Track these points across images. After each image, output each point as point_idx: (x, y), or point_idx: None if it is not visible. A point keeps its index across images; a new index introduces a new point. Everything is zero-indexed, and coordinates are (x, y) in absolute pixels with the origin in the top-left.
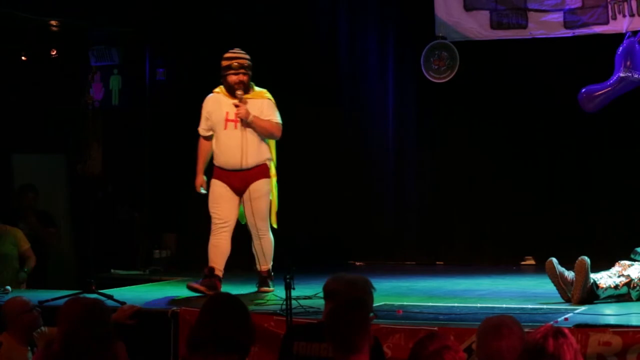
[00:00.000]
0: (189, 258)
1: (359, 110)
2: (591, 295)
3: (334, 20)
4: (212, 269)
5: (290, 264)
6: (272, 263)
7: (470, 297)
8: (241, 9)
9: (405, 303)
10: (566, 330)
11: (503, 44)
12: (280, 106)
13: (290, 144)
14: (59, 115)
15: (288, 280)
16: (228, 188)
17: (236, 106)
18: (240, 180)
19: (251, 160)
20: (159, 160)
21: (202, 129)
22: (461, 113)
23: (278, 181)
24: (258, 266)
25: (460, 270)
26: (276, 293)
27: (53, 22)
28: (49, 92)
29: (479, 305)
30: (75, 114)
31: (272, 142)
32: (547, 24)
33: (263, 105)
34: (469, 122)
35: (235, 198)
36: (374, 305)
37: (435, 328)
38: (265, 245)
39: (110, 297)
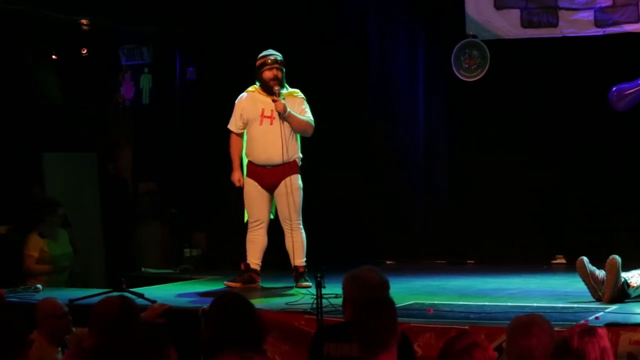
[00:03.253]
0: (219, 257)
1: (389, 109)
2: (622, 294)
3: (364, 19)
4: (247, 265)
5: (321, 262)
6: (305, 258)
7: (500, 296)
8: (271, 9)
9: (436, 302)
10: (598, 329)
11: (533, 42)
12: (311, 106)
13: (321, 143)
14: (89, 114)
15: (318, 279)
16: (259, 187)
17: (274, 100)
18: (270, 176)
19: (280, 157)
20: (190, 159)
21: (235, 127)
22: (491, 112)
23: (307, 179)
24: (292, 262)
25: (491, 269)
26: (309, 291)
27: (84, 21)
28: (80, 91)
29: (509, 304)
30: (106, 112)
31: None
32: (577, 23)
33: (297, 102)
34: (499, 120)
35: (266, 195)
36: (401, 304)
37: (466, 327)
38: (298, 238)
39: (140, 295)
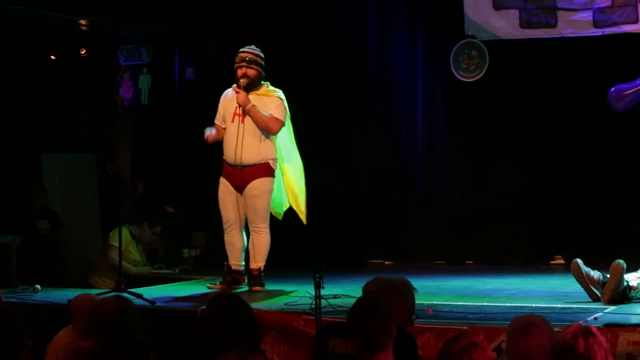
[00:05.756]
0: (219, 257)
1: (388, 109)
2: (623, 296)
3: (363, 19)
4: (229, 267)
5: (320, 263)
6: (264, 263)
7: (499, 296)
8: (271, 9)
9: (435, 302)
10: (595, 330)
11: (532, 43)
12: (310, 105)
13: (321, 144)
14: (88, 114)
15: (317, 280)
16: (230, 187)
17: (237, 92)
18: (241, 177)
19: (250, 157)
20: (189, 159)
21: (218, 121)
22: (490, 112)
23: (307, 180)
24: (250, 264)
25: (490, 270)
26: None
27: (82, 22)
28: (79, 92)
29: (508, 304)
30: (105, 113)
31: (290, 139)
32: (576, 23)
33: (270, 101)
34: (498, 120)
35: (237, 196)
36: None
37: (465, 327)
38: (260, 242)
39: (139, 296)
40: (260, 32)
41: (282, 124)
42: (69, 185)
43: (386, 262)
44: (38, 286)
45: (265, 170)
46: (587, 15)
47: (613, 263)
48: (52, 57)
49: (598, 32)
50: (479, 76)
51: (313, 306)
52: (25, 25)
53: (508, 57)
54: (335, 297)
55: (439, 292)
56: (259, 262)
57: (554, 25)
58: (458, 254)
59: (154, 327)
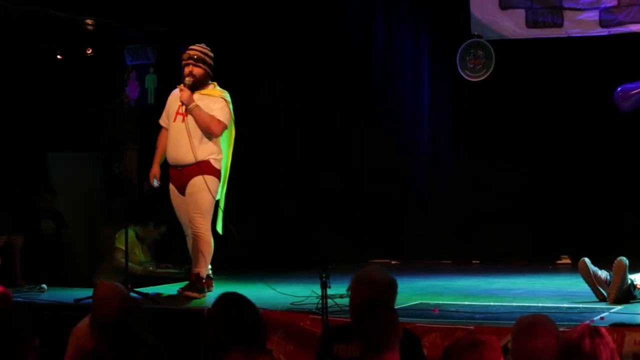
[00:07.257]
0: (222, 257)
1: (394, 108)
2: (628, 295)
3: (369, 19)
4: (197, 274)
5: (326, 262)
6: (209, 267)
7: (506, 296)
8: (275, 8)
9: (441, 302)
10: (603, 330)
11: (538, 42)
12: (316, 105)
13: (327, 144)
14: (94, 114)
15: (324, 279)
16: (177, 192)
17: (180, 90)
18: (181, 178)
19: (188, 157)
20: None
21: (162, 120)
22: (496, 111)
23: (311, 180)
24: (192, 267)
25: (496, 269)
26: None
27: (88, 21)
28: (85, 91)
29: (514, 304)
30: (111, 113)
31: (228, 143)
32: (582, 23)
33: (214, 102)
34: (504, 120)
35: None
36: (406, 304)
37: (472, 327)
38: (201, 246)
39: (145, 295)
40: (266, 32)
41: (225, 127)
42: (75, 185)
43: (392, 262)
44: (44, 286)
45: (205, 168)
46: (594, 15)
47: (615, 260)
48: (58, 56)
49: (604, 31)
50: (485, 76)
51: (319, 306)
52: (31, 25)
53: (514, 56)
54: (342, 296)
55: (445, 291)
56: (199, 267)
57: (560, 25)
58: (464, 254)
59: (158, 327)
